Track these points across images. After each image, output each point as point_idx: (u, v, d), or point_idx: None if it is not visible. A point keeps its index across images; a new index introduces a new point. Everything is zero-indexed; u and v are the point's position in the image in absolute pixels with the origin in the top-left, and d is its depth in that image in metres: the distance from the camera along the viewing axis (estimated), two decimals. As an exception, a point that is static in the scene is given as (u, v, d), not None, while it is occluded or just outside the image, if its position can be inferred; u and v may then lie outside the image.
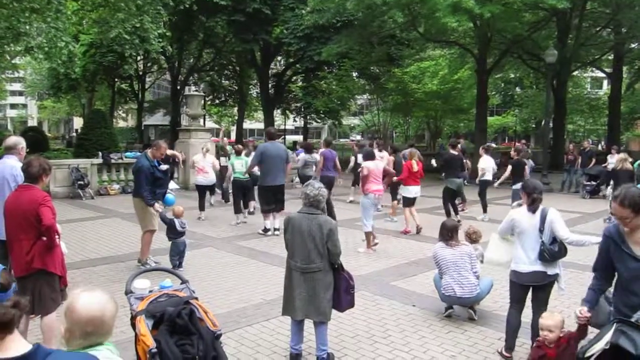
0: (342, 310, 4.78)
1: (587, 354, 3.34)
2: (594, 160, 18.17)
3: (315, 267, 4.49)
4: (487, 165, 12.52)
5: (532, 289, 4.72)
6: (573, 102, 33.99)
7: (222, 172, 13.75)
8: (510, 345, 4.83)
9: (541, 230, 4.58)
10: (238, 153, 12.06)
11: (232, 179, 11.91)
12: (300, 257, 4.52)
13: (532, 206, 4.66)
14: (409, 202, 10.75)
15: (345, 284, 4.62)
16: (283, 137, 45.23)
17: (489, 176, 12.45)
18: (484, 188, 12.39)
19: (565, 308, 5.84)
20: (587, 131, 46.10)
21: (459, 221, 10.20)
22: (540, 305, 4.70)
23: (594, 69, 34.94)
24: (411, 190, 10.67)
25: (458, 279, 5.62)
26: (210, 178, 12.41)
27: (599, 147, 38.79)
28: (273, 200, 10.15)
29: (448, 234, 5.86)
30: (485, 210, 12.19)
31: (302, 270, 4.52)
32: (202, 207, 12.12)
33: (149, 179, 7.69)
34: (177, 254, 7.69)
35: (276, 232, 10.05)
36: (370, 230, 8.96)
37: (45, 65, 32.37)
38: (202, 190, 12.30)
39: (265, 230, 10.31)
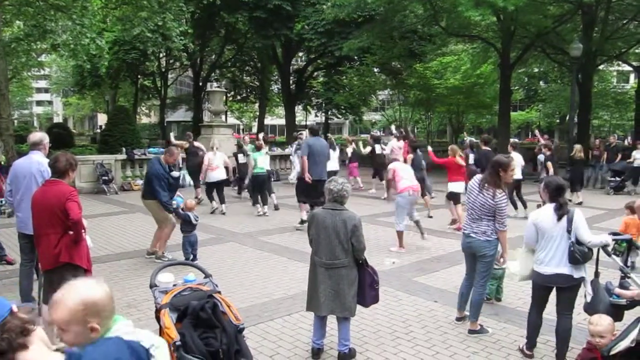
0: (366, 305, 4.77)
1: (613, 352, 3.31)
2: (619, 156, 17.85)
3: (340, 262, 4.49)
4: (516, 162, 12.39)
5: (557, 291, 4.58)
6: (599, 96, 33.32)
7: (241, 169, 14.16)
8: (532, 343, 4.76)
9: (569, 231, 4.42)
10: (259, 149, 12.42)
11: (253, 173, 12.26)
12: (325, 253, 4.52)
13: (561, 211, 4.46)
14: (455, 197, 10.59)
15: (369, 279, 4.61)
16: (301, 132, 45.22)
17: (518, 174, 12.12)
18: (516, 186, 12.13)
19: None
20: (613, 126, 45.23)
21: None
22: (564, 309, 4.55)
23: (620, 62, 34.24)
24: (456, 186, 10.46)
25: (470, 221, 5.27)
26: (221, 174, 12.51)
27: (625, 143, 38.05)
28: (314, 193, 9.88)
29: (483, 179, 5.22)
30: (525, 207, 11.95)
31: (326, 266, 4.52)
32: (213, 198, 12.59)
33: (165, 185, 7.82)
34: (190, 245, 7.84)
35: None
36: (402, 230, 8.77)
37: (70, 62, 32.85)
38: (212, 186, 12.55)
39: (302, 222, 10.08)
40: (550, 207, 4.56)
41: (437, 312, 5.93)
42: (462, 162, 10.64)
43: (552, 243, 4.48)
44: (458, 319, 5.60)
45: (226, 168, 12.67)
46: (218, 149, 12.87)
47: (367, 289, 4.60)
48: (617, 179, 16.39)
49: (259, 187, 12.23)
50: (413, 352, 4.89)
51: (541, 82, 44.71)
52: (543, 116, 48.81)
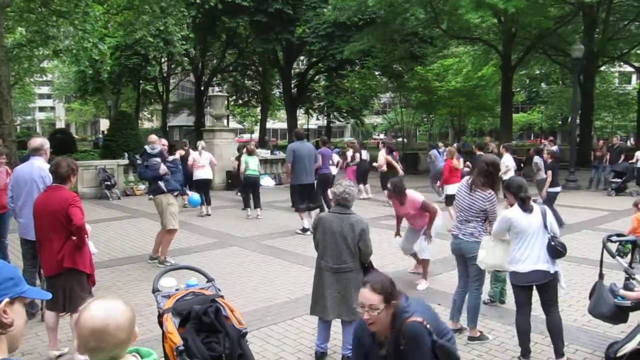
0: None
1: (619, 354, 3.29)
2: (622, 157, 17.78)
3: (347, 267, 4.46)
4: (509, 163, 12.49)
5: (537, 289, 4.54)
6: (601, 97, 33.32)
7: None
8: (525, 351, 4.65)
9: (546, 227, 4.45)
10: (250, 153, 12.70)
11: (244, 175, 12.37)
12: (332, 257, 4.49)
13: (525, 206, 4.51)
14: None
15: None
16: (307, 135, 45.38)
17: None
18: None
19: (576, 302, 5.87)
20: (615, 127, 45.20)
21: None
22: (549, 306, 4.53)
23: (622, 63, 34.25)
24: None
25: (458, 223, 5.26)
26: (207, 172, 12.85)
27: (628, 143, 38.02)
28: (307, 197, 10.43)
29: (471, 181, 5.23)
30: None
31: (333, 270, 4.49)
32: (207, 202, 12.65)
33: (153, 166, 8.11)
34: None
35: (307, 232, 9.86)
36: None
37: (72, 68, 32.95)
38: (200, 185, 12.64)
39: (304, 230, 10.13)
40: (518, 207, 4.58)
41: (441, 314, 5.85)
42: (458, 165, 11.25)
43: (529, 241, 4.47)
44: (453, 331, 5.43)
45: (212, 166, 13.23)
46: (204, 148, 13.36)
47: None
48: (619, 180, 16.32)
49: (250, 189, 12.44)
50: (417, 355, 4.85)
51: (543, 84, 44.74)
52: (545, 118, 48.83)
